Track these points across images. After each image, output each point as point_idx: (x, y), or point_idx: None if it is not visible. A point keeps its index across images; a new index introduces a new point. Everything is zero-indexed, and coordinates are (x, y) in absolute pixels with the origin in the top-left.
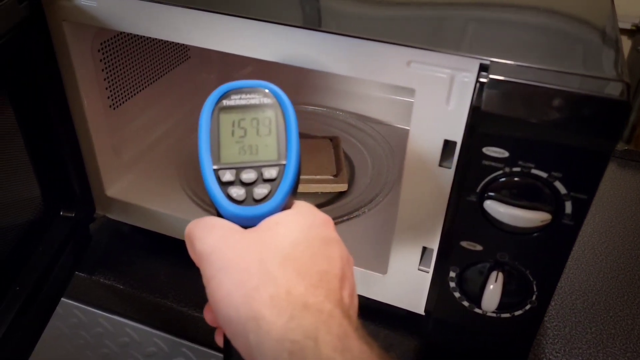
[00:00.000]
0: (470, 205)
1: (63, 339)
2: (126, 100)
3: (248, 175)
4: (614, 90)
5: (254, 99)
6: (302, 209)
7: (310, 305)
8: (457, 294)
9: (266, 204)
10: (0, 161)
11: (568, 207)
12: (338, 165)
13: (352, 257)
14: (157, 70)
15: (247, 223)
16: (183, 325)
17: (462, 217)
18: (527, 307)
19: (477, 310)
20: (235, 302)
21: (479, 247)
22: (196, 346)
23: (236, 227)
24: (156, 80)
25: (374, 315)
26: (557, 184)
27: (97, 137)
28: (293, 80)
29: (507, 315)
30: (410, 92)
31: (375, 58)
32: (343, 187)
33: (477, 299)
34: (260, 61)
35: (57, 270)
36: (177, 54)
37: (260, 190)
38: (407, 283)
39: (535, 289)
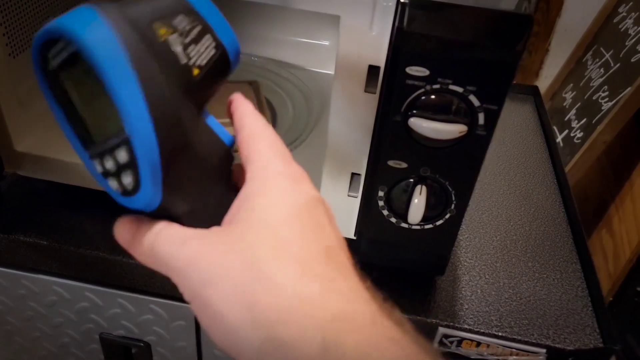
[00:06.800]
0: (396, 125)
1: None
2: (25, 49)
3: (108, 163)
4: (512, 6)
5: (72, 45)
6: (270, 173)
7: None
8: (385, 212)
9: (138, 196)
10: None
11: (481, 118)
12: (260, 108)
13: None
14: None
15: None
16: (119, 274)
17: (389, 137)
18: (447, 215)
19: (403, 225)
20: (238, 320)
21: (404, 165)
22: (133, 295)
23: (203, 231)
24: None
25: None
26: (472, 97)
27: (1, 88)
28: None
29: (430, 226)
30: (323, 34)
31: None
32: None
33: (403, 214)
34: None
35: None
36: None
37: (127, 180)
38: (337, 210)
39: (454, 198)
